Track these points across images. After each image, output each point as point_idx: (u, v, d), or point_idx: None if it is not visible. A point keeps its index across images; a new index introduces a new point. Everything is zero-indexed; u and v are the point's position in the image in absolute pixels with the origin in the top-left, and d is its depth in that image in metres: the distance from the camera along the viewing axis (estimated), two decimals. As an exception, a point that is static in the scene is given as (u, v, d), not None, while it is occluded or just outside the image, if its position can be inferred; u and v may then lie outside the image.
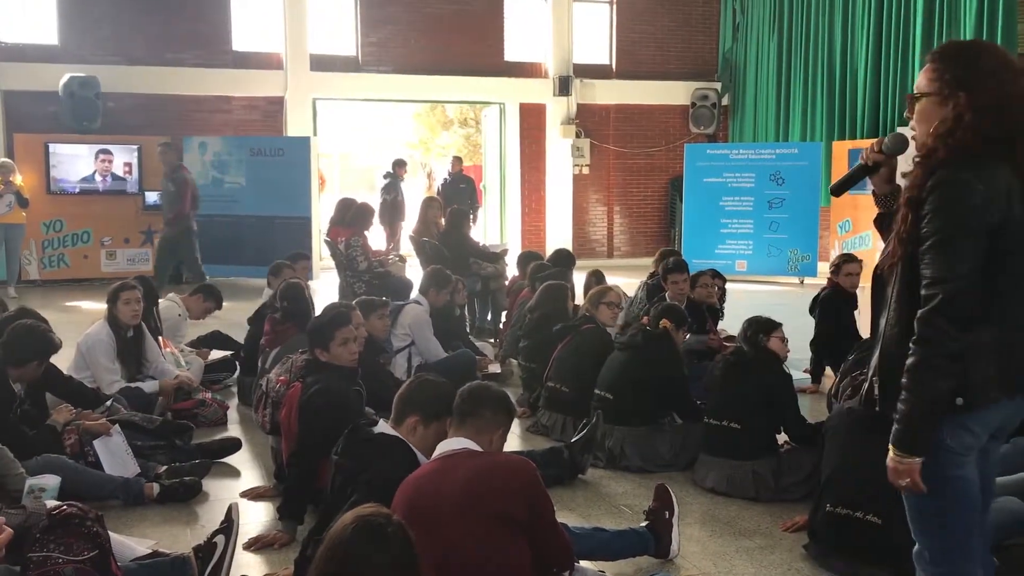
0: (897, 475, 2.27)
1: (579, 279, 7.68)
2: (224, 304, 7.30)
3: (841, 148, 12.66)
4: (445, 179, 15.74)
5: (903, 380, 2.25)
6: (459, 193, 14.29)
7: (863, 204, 12.09)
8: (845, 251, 11.51)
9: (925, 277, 2.24)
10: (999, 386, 2.26)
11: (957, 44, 2.45)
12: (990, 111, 2.23)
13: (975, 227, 2.20)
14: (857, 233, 12.23)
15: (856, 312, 6.69)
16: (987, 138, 2.23)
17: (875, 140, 2.68)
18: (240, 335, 6.84)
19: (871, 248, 11.92)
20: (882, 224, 2.69)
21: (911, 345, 2.24)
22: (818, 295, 6.72)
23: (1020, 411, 2.37)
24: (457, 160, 15.59)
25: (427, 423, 3.18)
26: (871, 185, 2.72)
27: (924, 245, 2.23)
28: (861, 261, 6.97)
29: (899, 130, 2.72)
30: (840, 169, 12.53)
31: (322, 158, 16.18)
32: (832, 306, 6.54)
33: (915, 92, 2.38)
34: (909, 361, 2.24)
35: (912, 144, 2.47)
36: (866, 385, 2.50)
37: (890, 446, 2.28)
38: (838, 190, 2.90)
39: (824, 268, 11.70)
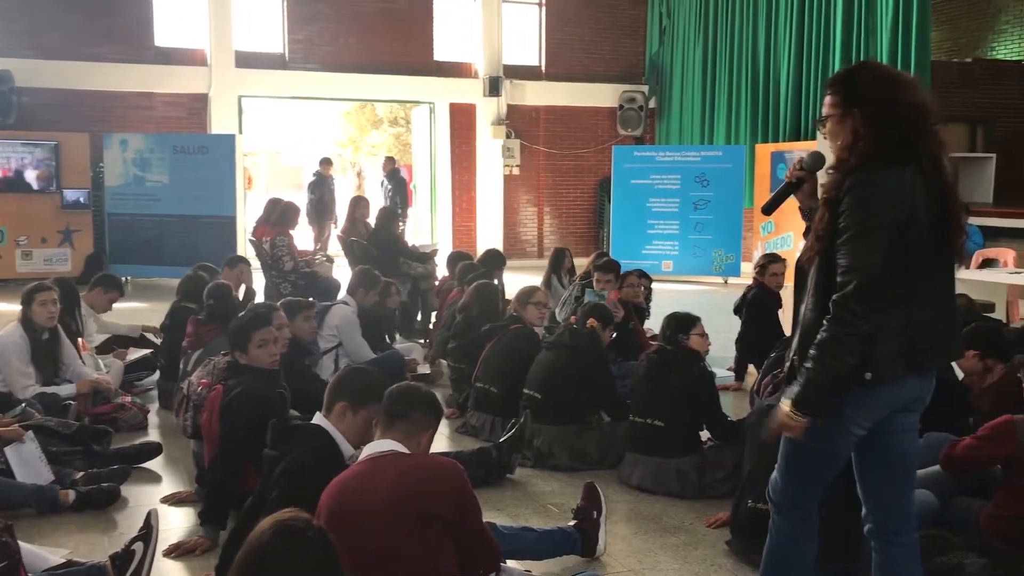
0: (784, 428, 2.59)
1: (518, 279, 7.71)
2: (146, 305, 7.14)
3: (764, 151, 12.94)
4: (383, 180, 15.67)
5: (812, 351, 2.52)
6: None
7: (785, 206, 12.34)
8: (768, 251, 11.79)
9: (841, 266, 2.49)
10: (904, 364, 2.52)
11: (847, 69, 2.74)
12: (882, 122, 2.51)
13: (886, 222, 2.46)
14: (779, 234, 12.51)
15: (780, 311, 6.85)
16: (887, 144, 2.50)
17: (797, 159, 2.94)
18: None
19: (792, 248, 12.21)
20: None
21: (824, 323, 2.50)
22: (745, 295, 6.83)
23: (927, 387, 2.63)
24: (389, 160, 15.42)
25: (356, 409, 3.18)
26: (797, 200, 2.96)
27: (841, 238, 2.49)
28: (785, 261, 7.14)
29: (816, 149, 2.94)
30: (763, 171, 12.83)
31: (249, 157, 15.92)
32: (759, 306, 6.67)
33: (821, 117, 2.69)
34: (821, 336, 2.50)
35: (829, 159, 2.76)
36: (787, 365, 2.74)
37: (787, 400, 2.56)
38: (768, 209, 3.07)
39: (748, 268, 11.96)
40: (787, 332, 6.32)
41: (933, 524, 3.76)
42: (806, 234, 2.86)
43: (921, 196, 2.50)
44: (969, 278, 7.79)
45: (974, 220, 9.58)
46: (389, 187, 14.96)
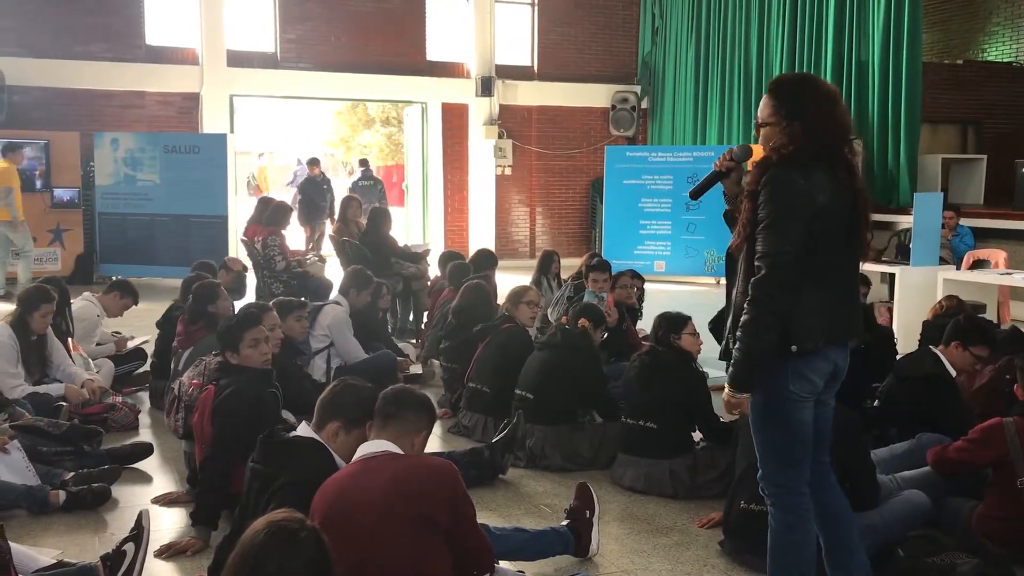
0: (730, 407, 2.92)
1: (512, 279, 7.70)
2: (138, 305, 7.10)
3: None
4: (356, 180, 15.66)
5: (738, 333, 2.82)
6: (366, 192, 14.25)
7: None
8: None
9: (757, 252, 2.79)
10: (821, 335, 2.83)
11: (789, 80, 3.02)
12: (815, 132, 2.81)
13: (797, 212, 2.76)
14: (772, 235, 12.52)
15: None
16: (811, 152, 2.80)
17: (728, 150, 3.24)
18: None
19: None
20: (730, 219, 3.21)
21: (745, 305, 2.80)
22: None
23: (844, 358, 2.96)
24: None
25: (349, 430, 3.14)
26: (723, 187, 3.23)
27: (758, 228, 2.79)
28: None
29: (743, 143, 3.16)
30: (755, 172, 12.82)
31: (241, 157, 15.87)
32: None
33: (759, 120, 2.96)
34: (743, 318, 2.80)
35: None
36: (723, 344, 3.02)
37: (726, 384, 2.88)
38: (696, 194, 3.36)
39: (740, 269, 11.99)
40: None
41: (925, 525, 3.78)
42: (725, 215, 3.24)
43: (831, 194, 2.79)
44: (960, 279, 7.83)
45: (965, 221, 9.61)
46: (366, 182, 14.88)
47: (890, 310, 8.24)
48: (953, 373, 4.51)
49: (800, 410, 2.88)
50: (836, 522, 3.08)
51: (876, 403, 4.75)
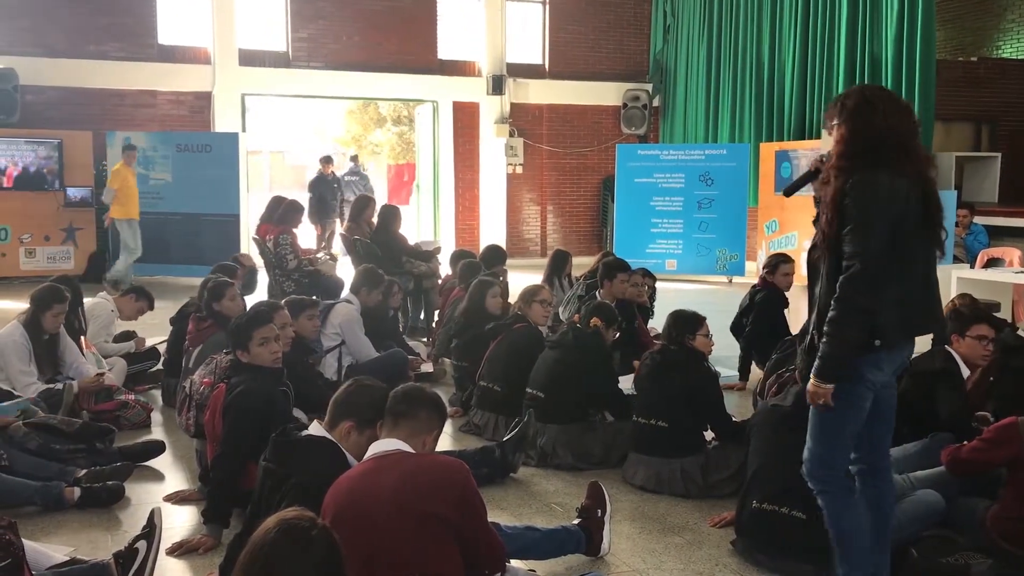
0: (815, 397, 3.02)
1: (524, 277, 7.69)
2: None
3: (768, 150, 12.92)
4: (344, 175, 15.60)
5: (825, 328, 2.97)
6: (353, 187, 14.25)
7: (789, 205, 12.35)
8: (773, 251, 11.77)
9: (846, 253, 2.94)
10: (903, 331, 3.04)
11: (843, 92, 3.16)
12: (858, 137, 2.98)
13: (882, 214, 2.91)
14: (784, 233, 12.49)
15: (787, 311, 6.81)
16: (861, 154, 2.96)
17: (820, 155, 3.33)
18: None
19: (796, 248, 12.20)
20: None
21: (833, 302, 2.95)
22: (753, 295, 6.74)
23: (912, 348, 3.17)
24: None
25: (362, 430, 3.14)
26: (812, 189, 3.30)
27: (845, 230, 2.93)
28: (794, 261, 7.07)
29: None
30: (767, 170, 12.81)
31: (252, 156, 15.89)
32: (768, 307, 6.59)
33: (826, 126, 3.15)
34: (831, 314, 2.95)
35: None
36: (807, 339, 3.17)
37: (812, 375, 3.01)
38: (789, 192, 3.55)
39: (752, 267, 11.95)
40: (794, 332, 6.29)
41: (939, 524, 3.75)
42: (816, 221, 3.26)
43: (908, 196, 2.96)
44: (974, 277, 7.77)
45: (979, 219, 9.55)
46: (354, 177, 14.86)
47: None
48: (966, 371, 4.48)
49: (867, 398, 3.04)
50: (876, 510, 3.20)
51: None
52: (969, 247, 9.07)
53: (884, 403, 3.17)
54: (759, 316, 6.58)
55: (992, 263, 8.62)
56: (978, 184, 12.06)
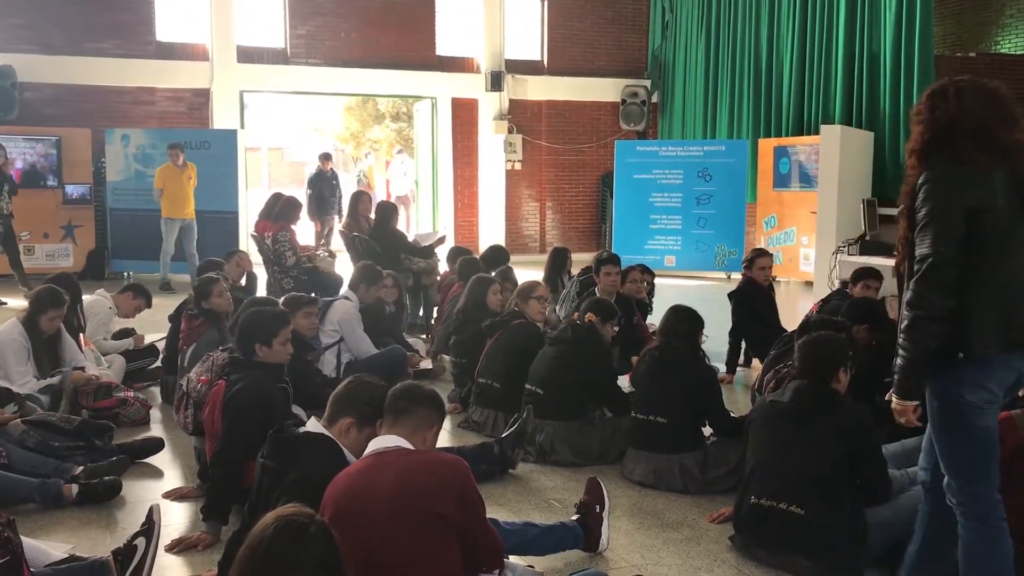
0: (898, 415, 2.84)
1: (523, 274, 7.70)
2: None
3: (767, 145, 12.91)
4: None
5: (899, 339, 2.76)
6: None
7: (787, 201, 12.36)
8: (771, 246, 11.79)
9: (916, 256, 2.74)
10: (999, 342, 2.72)
11: (934, 86, 2.93)
12: (930, 129, 2.80)
13: (952, 212, 2.69)
14: (782, 229, 12.49)
15: (777, 304, 6.88)
16: (928, 147, 2.80)
17: None
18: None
19: (795, 244, 12.20)
20: None
21: (904, 309, 2.75)
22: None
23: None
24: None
25: (361, 427, 3.14)
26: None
27: (916, 230, 2.75)
28: (772, 256, 7.18)
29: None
30: (766, 166, 12.79)
31: (251, 153, 15.84)
32: (745, 299, 6.77)
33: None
34: (902, 324, 2.75)
35: None
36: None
37: (893, 393, 2.82)
38: None
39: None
40: (786, 327, 6.33)
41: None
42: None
43: (993, 190, 2.73)
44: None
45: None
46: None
47: (902, 304, 8.19)
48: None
49: (981, 417, 2.77)
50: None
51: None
52: None
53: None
54: (736, 308, 6.81)
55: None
56: (977, 179, 12.06)
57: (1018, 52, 13.92)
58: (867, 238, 9.02)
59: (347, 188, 15.01)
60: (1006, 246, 2.74)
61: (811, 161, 11.78)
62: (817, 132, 11.57)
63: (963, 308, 2.70)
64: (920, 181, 2.77)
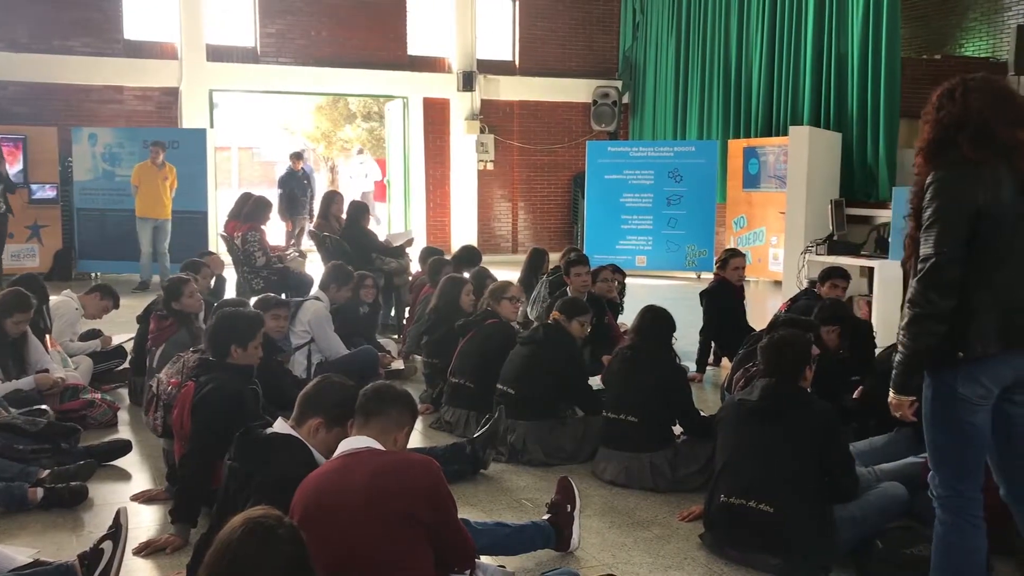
0: (895, 409, 2.88)
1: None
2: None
3: (736, 146, 13.00)
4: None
5: (899, 336, 2.80)
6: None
7: (757, 201, 12.45)
8: (741, 246, 11.87)
9: (920, 254, 2.76)
10: (998, 341, 2.73)
11: (944, 88, 2.92)
12: (939, 128, 2.82)
13: (955, 211, 2.71)
14: (752, 229, 12.58)
15: (746, 303, 6.95)
16: (935, 149, 2.82)
17: None
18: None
19: (764, 244, 12.30)
20: None
21: (905, 307, 2.77)
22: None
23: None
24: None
25: (330, 427, 3.13)
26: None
27: (921, 229, 2.77)
28: (745, 256, 7.25)
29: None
30: (735, 166, 12.89)
31: (220, 152, 15.68)
32: (717, 298, 6.82)
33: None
34: (902, 321, 2.78)
35: None
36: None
37: (890, 388, 2.86)
38: None
39: (720, 263, 12.02)
40: (755, 326, 6.40)
41: (904, 516, 3.80)
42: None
43: (1000, 190, 2.72)
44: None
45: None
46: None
47: (869, 304, 8.30)
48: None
49: (972, 414, 2.78)
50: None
51: (855, 396, 4.79)
52: None
53: (1015, 420, 2.85)
54: (708, 308, 6.87)
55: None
56: (942, 180, 12.22)
57: (982, 55, 14.12)
58: (835, 238, 9.11)
59: (321, 188, 14.91)
60: (1012, 246, 2.76)
61: (780, 162, 11.89)
62: (786, 133, 11.67)
63: (964, 308, 2.72)
64: (928, 181, 2.78)
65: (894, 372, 2.84)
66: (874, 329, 5.76)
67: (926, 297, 2.71)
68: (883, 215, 10.05)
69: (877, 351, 5.25)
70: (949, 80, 2.92)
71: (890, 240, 8.34)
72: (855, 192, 11.19)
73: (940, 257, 2.70)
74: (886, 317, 7.34)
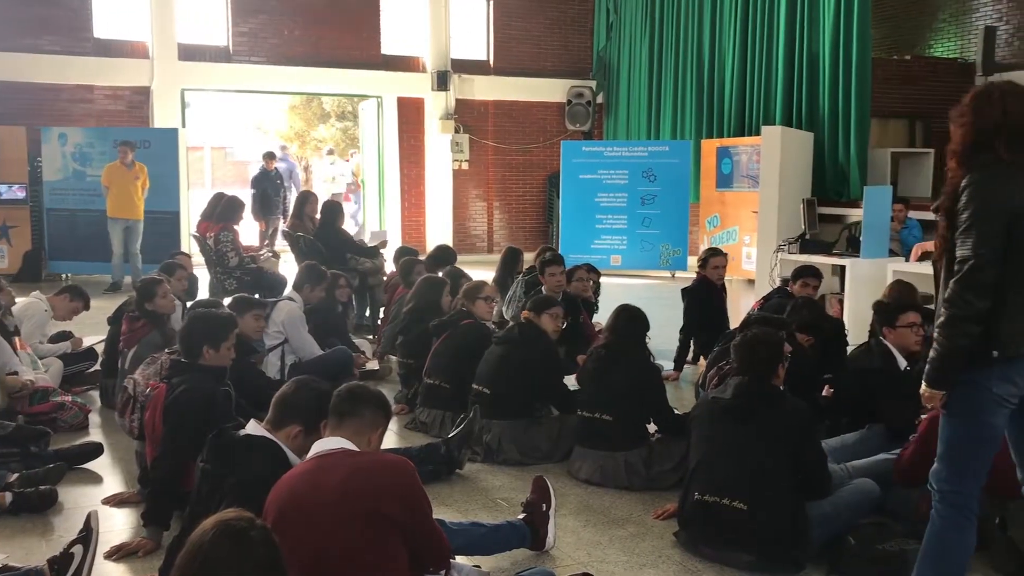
0: (927, 400, 2.92)
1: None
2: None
3: (710, 146, 13.07)
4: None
5: (935, 332, 2.87)
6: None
7: (730, 201, 12.53)
8: (714, 245, 11.92)
9: (957, 256, 2.82)
10: None
11: (978, 91, 2.97)
12: (971, 132, 2.87)
13: (993, 213, 2.76)
14: (725, 228, 12.65)
15: (727, 302, 6.99)
16: (969, 151, 2.87)
17: None
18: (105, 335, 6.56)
19: (737, 243, 12.38)
20: None
21: (942, 307, 2.84)
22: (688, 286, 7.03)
23: None
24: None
25: (309, 433, 3.10)
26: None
27: (957, 232, 2.82)
28: (726, 255, 7.30)
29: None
30: (709, 166, 12.96)
31: (192, 152, 15.54)
32: (697, 297, 6.85)
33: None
34: (939, 320, 2.85)
35: None
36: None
37: (923, 381, 2.89)
38: None
39: (694, 262, 12.08)
40: (734, 325, 6.44)
41: (875, 511, 3.84)
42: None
43: None
44: (909, 270, 7.96)
45: (913, 214, 9.79)
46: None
47: (841, 302, 8.37)
48: (902, 361, 4.60)
49: (996, 414, 2.85)
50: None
51: (827, 393, 4.83)
52: (904, 241, 9.28)
53: None
54: (688, 306, 6.90)
55: (926, 256, 8.82)
56: (912, 179, 12.34)
57: (950, 56, 14.28)
58: (807, 237, 9.17)
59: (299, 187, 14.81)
60: None
61: (753, 161, 11.96)
62: (758, 133, 11.74)
63: (998, 308, 2.78)
64: (964, 184, 2.82)
65: (928, 367, 2.88)
66: (846, 327, 5.81)
67: (964, 298, 2.76)
68: (855, 214, 10.14)
69: (849, 349, 5.30)
70: (980, 85, 2.98)
71: (861, 239, 8.41)
72: (827, 191, 11.28)
73: (978, 259, 2.75)
74: (858, 315, 7.41)
